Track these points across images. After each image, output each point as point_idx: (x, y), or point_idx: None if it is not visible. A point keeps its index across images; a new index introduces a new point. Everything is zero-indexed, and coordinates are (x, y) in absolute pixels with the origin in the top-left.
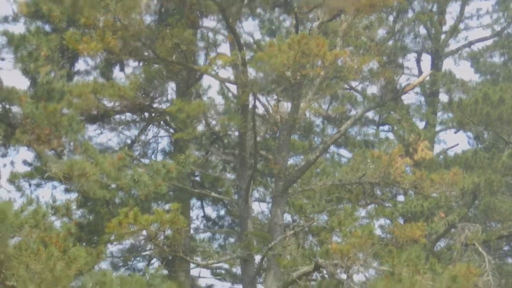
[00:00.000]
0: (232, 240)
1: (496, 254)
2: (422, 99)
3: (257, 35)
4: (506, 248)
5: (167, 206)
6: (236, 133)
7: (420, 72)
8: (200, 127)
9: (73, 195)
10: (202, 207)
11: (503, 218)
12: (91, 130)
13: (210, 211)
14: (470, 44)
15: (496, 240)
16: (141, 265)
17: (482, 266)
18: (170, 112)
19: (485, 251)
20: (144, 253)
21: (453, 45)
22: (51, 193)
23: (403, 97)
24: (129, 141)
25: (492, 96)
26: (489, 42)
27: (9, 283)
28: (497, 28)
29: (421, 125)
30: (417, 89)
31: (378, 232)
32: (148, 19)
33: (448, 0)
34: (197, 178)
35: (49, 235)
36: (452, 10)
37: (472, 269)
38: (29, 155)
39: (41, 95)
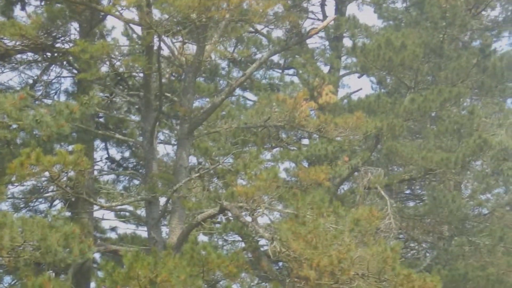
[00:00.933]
0: (136, 182)
1: (398, 198)
2: (327, 43)
3: None
4: (407, 191)
5: (70, 148)
6: (141, 75)
7: (325, 17)
8: (104, 68)
9: None
10: (106, 148)
11: (404, 162)
12: None
13: (115, 152)
14: None
15: (398, 184)
16: (43, 206)
17: (384, 209)
18: (73, 53)
19: (387, 195)
20: (46, 195)
21: None
22: None
23: (308, 41)
24: (31, 81)
25: (394, 41)
26: None
27: None
28: None
29: (325, 69)
30: (322, 34)
31: (283, 175)
32: None
33: None
34: (101, 120)
35: None
36: None
37: (374, 212)
38: None
39: None
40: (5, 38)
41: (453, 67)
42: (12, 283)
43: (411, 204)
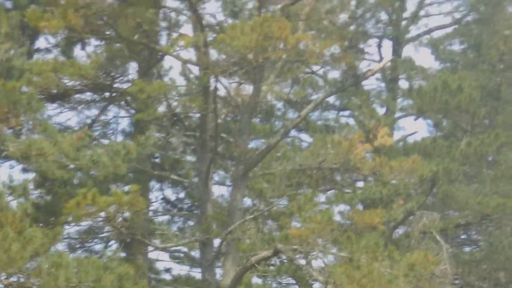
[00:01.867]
0: (191, 223)
1: (453, 243)
2: (383, 85)
3: (220, 17)
4: (463, 236)
5: (126, 188)
6: (197, 115)
7: (381, 58)
8: (161, 108)
9: (31, 175)
10: (162, 189)
11: (460, 207)
12: (51, 109)
13: (170, 193)
14: (430, 31)
15: (454, 229)
16: (98, 247)
17: (440, 255)
18: (131, 92)
19: (443, 240)
20: (101, 235)
21: (413, 31)
22: (8, 172)
23: (364, 82)
24: (89, 121)
25: (451, 84)
26: (449, 29)
27: None
28: (457, 15)
29: (381, 111)
30: (378, 75)
31: (337, 218)
32: None
33: None
34: (157, 160)
35: (5, 215)
36: None
37: (429, 257)
38: None
39: (0, 73)
40: (65, 77)
41: (510, 111)
42: None
43: (467, 249)
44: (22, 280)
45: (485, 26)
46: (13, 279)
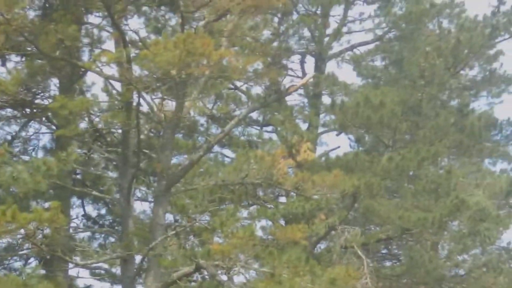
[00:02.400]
0: (112, 239)
1: (374, 257)
2: (305, 100)
3: (143, 33)
4: (384, 251)
5: (46, 204)
6: (120, 131)
7: (304, 74)
8: (83, 124)
9: None
10: (83, 205)
11: (381, 221)
12: None
13: (91, 209)
14: (352, 47)
15: (375, 243)
16: (17, 264)
17: (361, 269)
18: (52, 108)
19: (364, 254)
20: (21, 252)
21: (336, 48)
22: None
23: (287, 98)
24: (9, 137)
25: (373, 99)
26: (371, 46)
27: None
28: (379, 32)
29: (304, 126)
30: (301, 91)
31: (259, 233)
32: (32, 13)
33: (332, 4)
34: (78, 176)
35: None
36: (336, 13)
37: (351, 271)
38: None
39: None
40: None
41: (431, 126)
42: None
43: (388, 264)
44: None
45: (406, 42)
46: None
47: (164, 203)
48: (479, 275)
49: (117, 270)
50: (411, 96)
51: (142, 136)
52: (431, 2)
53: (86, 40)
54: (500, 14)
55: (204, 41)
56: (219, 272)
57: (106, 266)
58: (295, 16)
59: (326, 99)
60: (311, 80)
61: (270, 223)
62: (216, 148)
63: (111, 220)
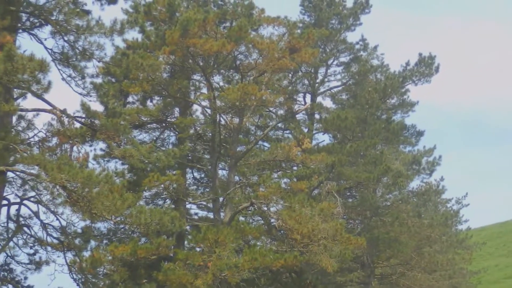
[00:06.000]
0: (207, 189)
1: (343, 197)
2: (306, 117)
3: (221, 83)
4: (348, 193)
5: (174, 172)
6: (210, 134)
7: (305, 103)
8: (191, 131)
9: (125, 166)
10: (192, 173)
11: (347, 178)
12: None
13: (197, 175)
14: (330, 89)
15: (344, 190)
16: (160, 202)
17: (336, 203)
18: (176, 123)
19: (338, 196)
20: (162, 196)
21: (322, 89)
22: (114, 166)
23: (297, 116)
24: (154, 138)
25: (341, 115)
26: (340, 88)
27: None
28: (344, 80)
29: (305, 130)
30: (304, 112)
31: (283, 185)
32: (164, 75)
33: (319, 66)
34: (190, 157)
35: (113, 186)
36: (321, 71)
37: (331, 205)
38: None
39: (110, 114)
40: (142, 116)
41: (372, 129)
42: None
43: (350, 200)
44: (122, 219)
45: (358, 85)
46: (118, 218)
47: (233, 170)
48: (397, 205)
49: (209, 204)
50: (361, 113)
51: (221, 136)
52: (370, 64)
53: (192, 88)
54: (407, 70)
55: (253, 87)
56: (263, 205)
57: (204, 203)
58: (300, 73)
59: (317, 116)
60: (309, 106)
61: (288, 180)
62: (260, 142)
63: (206, 180)
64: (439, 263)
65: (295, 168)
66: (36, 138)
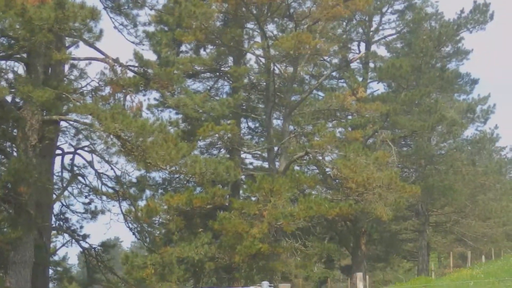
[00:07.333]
0: (262, 138)
1: (398, 146)
2: (360, 65)
3: (275, 32)
4: (403, 142)
5: (228, 121)
6: (264, 83)
7: (359, 51)
8: (246, 80)
9: (180, 116)
10: (247, 122)
11: (401, 127)
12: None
13: (251, 124)
14: (385, 37)
15: (398, 138)
16: (215, 152)
17: (391, 152)
18: (230, 72)
19: (393, 144)
20: (216, 146)
21: (376, 37)
22: (168, 115)
23: (351, 65)
24: (208, 88)
25: (396, 64)
26: (395, 36)
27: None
28: (399, 29)
29: (360, 79)
30: (358, 60)
31: (338, 135)
32: (217, 23)
33: (373, 14)
34: (244, 106)
35: (168, 136)
36: (375, 19)
37: (386, 153)
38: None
39: (163, 63)
40: (196, 65)
41: (426, 77)
42: None
43: (405, 149)
44: (177, 169)
45: (412, 34)
46: (173, 168)
47: (288, 120)
48: (452, 153)
49: (264, 154)
50: (415, 62)
51: (276, 86)
52: (425, 12)
53: (246, 36)
54: (461, 17)
55: (307, 35)
56: (318, 155)
57: (259, 152)
58: (354, 21)
59: (371, 64)
60: (363, 55)
61: (343, 130)
62: (314, 91)
63: (260, 129)
64: (493, 210)
65: (349, 117)
66: (89, 87)
